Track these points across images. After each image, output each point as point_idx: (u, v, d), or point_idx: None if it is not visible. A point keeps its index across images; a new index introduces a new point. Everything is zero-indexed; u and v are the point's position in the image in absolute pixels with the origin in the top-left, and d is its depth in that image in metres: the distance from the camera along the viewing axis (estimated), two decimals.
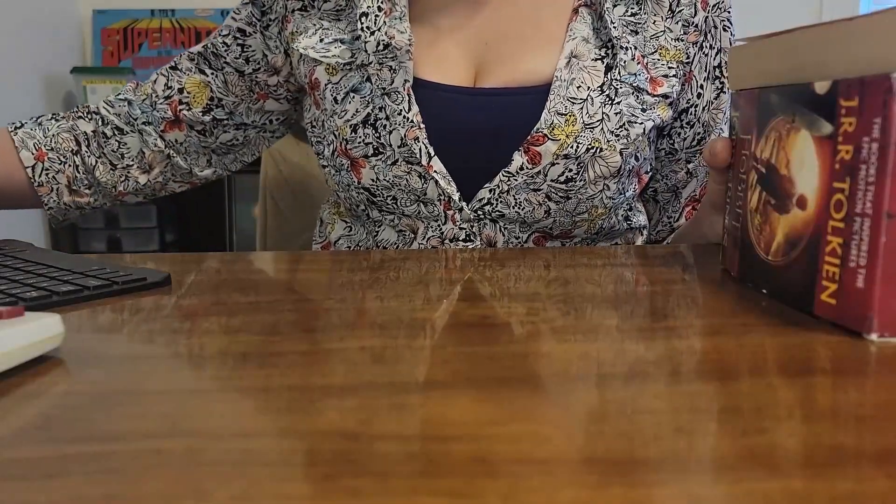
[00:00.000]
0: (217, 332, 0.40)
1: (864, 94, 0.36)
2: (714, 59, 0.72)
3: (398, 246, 0.72)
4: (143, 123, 0.77)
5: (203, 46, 0.78)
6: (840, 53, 0.39)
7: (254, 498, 0.22)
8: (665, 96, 0.69)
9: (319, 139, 0.73)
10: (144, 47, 2.03)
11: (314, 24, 0.71)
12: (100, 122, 0.77)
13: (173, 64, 0.78)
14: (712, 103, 0.73)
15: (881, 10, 0.36)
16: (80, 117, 0.78)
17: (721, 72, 0.72)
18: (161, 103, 0.77)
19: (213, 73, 0.77)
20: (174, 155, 0.78)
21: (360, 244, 0.75)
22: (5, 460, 0.25)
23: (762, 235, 0.46)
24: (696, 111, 0.73)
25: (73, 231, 1.92)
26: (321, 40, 0.70)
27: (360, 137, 0.68)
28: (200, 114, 0.77)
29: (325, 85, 0.69)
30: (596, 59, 0.67)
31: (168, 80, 0.77)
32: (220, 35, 0.77)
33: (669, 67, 0.69)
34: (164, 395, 0.31)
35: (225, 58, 0.76)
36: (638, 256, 0.60)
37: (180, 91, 0.77)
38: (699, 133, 0.74)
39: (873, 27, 0.36)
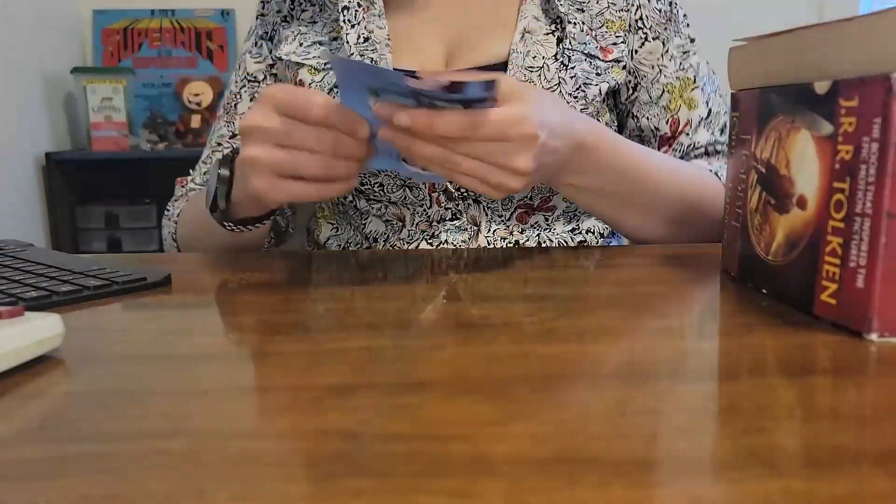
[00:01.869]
0: (217, 332, 0.40)
1: (864, 93, 0.36)
2: (635, 14, 0.73)
3: (387, 236, 0.74)
4: None
5: (250, 101, 0.79)
6: (840, 53, 0.39)
7: (254, 498, 0.22)
8: (617, 60, 0.72)
9: None
10: (145, 47, 2.03)
11: (293, 32, 0.75)
12: None
13: (232, 133, 0.79)
14: (636, 52, 0.74)
15: (881, 9, 0.36)
16: None
17: (643, 23, 0.73)
18: None
19: None
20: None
21: (349, 241, 0.77)
22: (6, 460, 0.25)
23: (762, 235, 0.46)
24: (628, 64, 0.74)
25: (73, 231, 1.92)
26: (301, 45, 0.74)
27: None
28: None
29: (310, 84, 0.72)
30: (547, 34, 0.71)
31: (235, 149, 0.79)
32: (255, 83, 0.78)
33: (617, 36, 0.72)
34: (164, 395, 0.31)
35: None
36: (638, 256, 0.60)
37: None
38: (630, 82, 0.75)
39: (873, 27, 0.36)
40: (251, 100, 0.78)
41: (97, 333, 0.40)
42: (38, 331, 0.35)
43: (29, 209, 1.79)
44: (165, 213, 0.82)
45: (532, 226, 0.73)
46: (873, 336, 0.37)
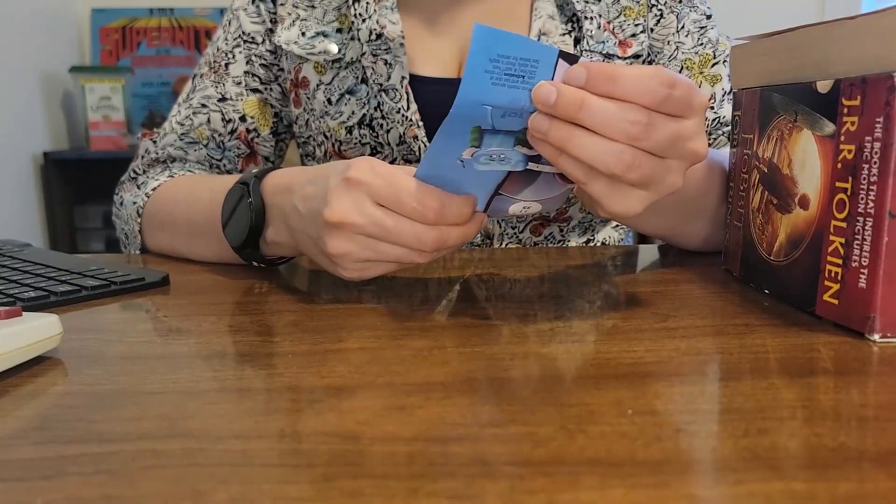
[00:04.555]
0: (215, 333, 0.40)
1: (866, 93, 0.36)
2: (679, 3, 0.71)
3: None
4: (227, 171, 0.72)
5: (247, 63, 0.72)
6: (842, 52, 0.38)
7: (252, 499, 0.22)
8: (637, 56, 0.70)
9: (305, 139, 0.73)
10: (143, 46, 2.03)
11: (289, 13, 0.69)
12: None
13: (221, 96, 0.72)
14: (652, 30, 0.72)
15: (883, 8, 0.36)
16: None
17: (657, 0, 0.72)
18: (230, 140, 0.72)
19: (266, 87, 0.72)
20: None
21: None
22: (3, 461, 0.25)
23: (764, 235, 0.46)
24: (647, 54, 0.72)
25: (72, 231, 1.92)
26: (303, 34, 0.69)
27: (355, 138, 0.67)
28: (271, 136, 0.74)
29: (318, 86, 0.69)
30: (564, 34, 0.68)
31: (224, 114, 0.72)
32: (253, 44, 0.72)
33: (636, 24, 0.70)
34: (162, 396, 0.31)
35: (278, 65, 0.72)
36: (640, 256, 0.60)
37: (243, 119, 0.72)
38: (647, 60, 0.73)
39: (875, 26, 0.36)
40: (247, 62, 0.71)
41: (95, 334, 0.40)
42: (36, 331, 0.35)
43: (27, 209, 1.79)
44: (132, 176, 0.74)
45: (546, 238, 0.71)
46: (875, 336, 0.37)
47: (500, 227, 0.69)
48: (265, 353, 0.36)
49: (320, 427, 0.27)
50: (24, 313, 0.36)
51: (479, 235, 0.69)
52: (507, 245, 0.70)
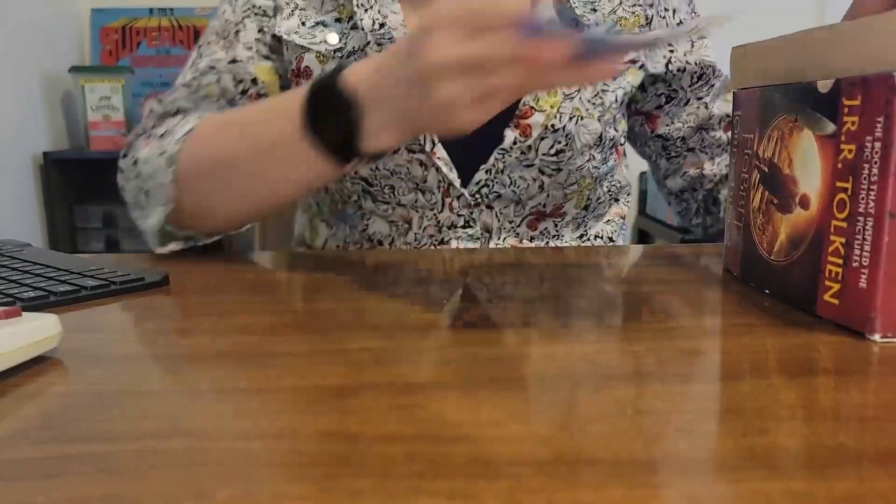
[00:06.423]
0: (216, 332, 0.40)
1: (867, 92, 0.36)
2: (674, 17, 0.76)
3: (392, 238, 0.72)
4: None
5: (258, 32, 0.70)
6: (843, 52, 0.38)
7: (253, 498, 0.22)
8: (633, 61, 0.73)
9: None
10: (143, 46, 2.03)
11: (287, 3, 0.69)
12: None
13: (232, 58, 0.69)
14: (692, 46, 0.76)
15: None
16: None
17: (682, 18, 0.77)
18: (241, 99, 0.69)
19: (277, 58, 0.71)
20: None
21: (347, 241, 0.75)
22: (4, 461, 0.25)
23: (764, 235, 0.46)
24: (679, 56, 0.76)
25: (72, 231, 1.92)
26: (303, 23, 0.68)
27: None
28: None
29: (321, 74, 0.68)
30: None
31: (234, 74, 0.69)
32: (264, 17, 0.70)
33: (633, 33, 0.72)
34: (163, 396, 0.31)
35: (282, 49, 0.71)
36: (639, 256, 0.60)
37: (254, 82, 0.69)
38: (696, 72, 0.77)
39: (876, 26, 0.36)
40: (259, 31, 0.69)
41: (95, 334, 0.40)
42: (36, 331, 0.35)
43: (27, 208, 1.79)
44: (141, 134, 0.67)
45: (541, 232, 0.73)
46: (876, 337, 0.37)
47: (498, 220, 0.71)
48: (266, 353, 0.36)
49: (321, 427, 0.27)
50: (23, 313, 0.36)
51: (477, 229, 0.70)
52: (504, 238, 0.71)
